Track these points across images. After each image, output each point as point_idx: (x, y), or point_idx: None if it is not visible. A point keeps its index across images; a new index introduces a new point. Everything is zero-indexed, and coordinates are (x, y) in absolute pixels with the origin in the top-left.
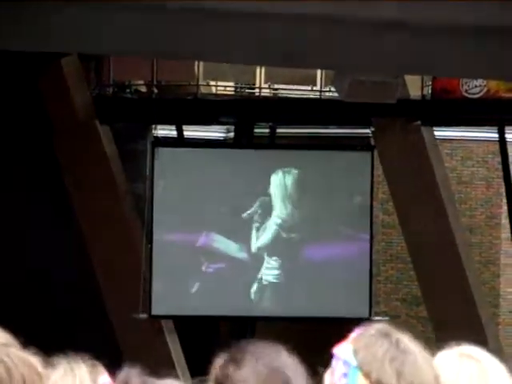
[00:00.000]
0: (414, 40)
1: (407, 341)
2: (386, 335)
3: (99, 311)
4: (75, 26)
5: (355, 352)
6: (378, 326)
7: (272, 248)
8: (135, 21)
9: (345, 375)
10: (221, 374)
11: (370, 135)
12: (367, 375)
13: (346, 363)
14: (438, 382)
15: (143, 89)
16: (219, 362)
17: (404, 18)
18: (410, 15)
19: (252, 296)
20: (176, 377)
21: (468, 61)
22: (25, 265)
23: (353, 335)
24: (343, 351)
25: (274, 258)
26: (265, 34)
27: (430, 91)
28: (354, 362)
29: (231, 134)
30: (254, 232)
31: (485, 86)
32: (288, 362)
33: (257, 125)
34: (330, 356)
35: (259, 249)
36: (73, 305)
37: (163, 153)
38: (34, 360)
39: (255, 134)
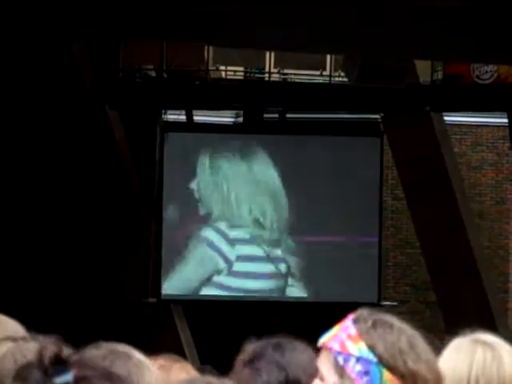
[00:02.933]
0: (425, 24)
1: (403, 326)
2: (387, 324)
3: (109, 295)
4: (86, 9)
5: (372, 348)
6: (366, 315)
7: (282, 234)
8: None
9: (366, 373)
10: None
11: (380, 120)
12: (392, 369)
13: (362, 360)
14: (436, 367)
15: (153, 73)
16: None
17: (413, 2)
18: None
19: (262, 281)
20: (185, 360)
21: (476, 45)
22: (35, 250)
23: (351, 331)
24: (353, 349)
25: (284, 243)
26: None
27: (440, 76)
28: (373, 358)
29: (240, 119)
30: (262, 217)
31: (496, 71)
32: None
33: (266, 109)
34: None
35: (269, 234)
36: (83, 290)
37: (173, 137)
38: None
39: (264, 119)
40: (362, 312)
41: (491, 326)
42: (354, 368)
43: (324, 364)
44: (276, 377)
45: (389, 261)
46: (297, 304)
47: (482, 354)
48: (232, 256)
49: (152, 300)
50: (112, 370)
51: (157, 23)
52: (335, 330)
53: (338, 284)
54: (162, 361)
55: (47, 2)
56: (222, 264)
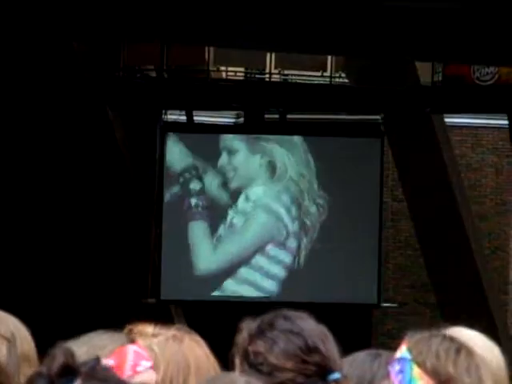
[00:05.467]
0: (424, 25)
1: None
2: (440, 333)
3: (108, 295)
4: (86, 11)
5: (409, 349)
6: (433, 331)
7: (282, 234)
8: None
9: (400, 371)
10: (252, 351)
11: (380, 121)
12: (421, 365)
13: (401, 360)
14: (500, 368)
15: (153, 74)
16: (247, 334)
17: (414, 3)
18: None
19: (262, 282)
20: None
21: (478, 46)
22: (32, 252)
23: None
24: (398, 353)
25: (284, 244)
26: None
27: (440, 78)
28: (408, 357)
29: (241, 120)
30: (263, 217)
31: (496, 73)
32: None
33: (267, 110)
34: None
35: (269, 234)
36: (82, 290)
37: (173, 137)
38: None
39: (265, 120)
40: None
41: (491, 327)
42: (394, 369)
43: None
44: (295, 343)
45: (389, 262)
46: (298, 305)
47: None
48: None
49: (151, 300)
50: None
51: (156, 26)
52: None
53: (337, 285)
54: (174, 332)
55: (49, 2)
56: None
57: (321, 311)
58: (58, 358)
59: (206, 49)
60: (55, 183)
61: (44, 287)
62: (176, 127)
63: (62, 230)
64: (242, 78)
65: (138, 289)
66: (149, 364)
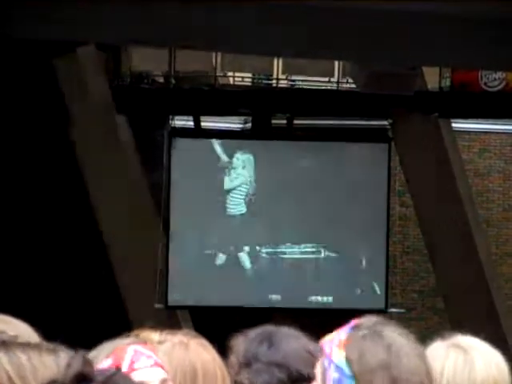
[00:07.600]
0: (431, 30)
1: (398, 338)
2: (379, 336)
3: (116, 301)
4: (93, 15)
5: (349, 361)
6: (367, 324)
7: (288, 239)
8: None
9: (339, 381)
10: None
11: (388, 127)
12: None
13: (339, 369)
14: (430, 377)
15: (161, 79)
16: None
17: (421, 8)
18: (427, 5)
19: (268, 287)
20: None
21: (485, 52)
22: (41, 258)
23: (342, 336)
24: (336, 355)
25: (290, 249)
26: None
27: (447, 83)
28: (348, 372)
29: (248, 125)
30: (269, 222)
31: (504, 79)
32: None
33: (274, 116)
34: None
35: (275, 239)
36: (90, 295)
37: (180, 143)
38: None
39: (272, 125)
40: (367, 320)
41: (499, 333)
42: (331, 374)
43: (318, 364)
44: (277, 376)
45: (396, 267)
46: (305, 311)
47: (453, 359)
48: (244, 263)
49: (159, 306)
50: None
51: (163, 32)
52: (335, 332)
53: (345, 291)
54: (180, 336)
55: (54, 9)
56: (235, 268)
57: (328, 317)
58: (73, 365)
59: (214, 54)
60: (60, 190)
61: (51, 294)
62: (183, 133)
63: (67, 236)
64: (249, 84)
65: (146, 294)
66: (150, 362)
